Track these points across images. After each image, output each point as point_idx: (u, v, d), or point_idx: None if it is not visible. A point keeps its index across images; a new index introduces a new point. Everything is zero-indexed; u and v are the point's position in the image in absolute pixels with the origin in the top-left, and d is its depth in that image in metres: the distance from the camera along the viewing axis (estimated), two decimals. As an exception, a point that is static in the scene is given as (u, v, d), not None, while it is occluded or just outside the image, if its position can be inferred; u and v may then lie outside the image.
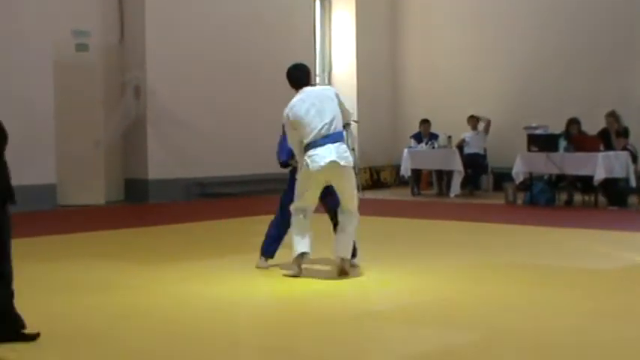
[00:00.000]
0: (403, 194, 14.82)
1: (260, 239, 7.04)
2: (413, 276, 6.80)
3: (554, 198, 12.58)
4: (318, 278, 6.70)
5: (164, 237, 9.66)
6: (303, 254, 6.68)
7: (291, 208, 6.74)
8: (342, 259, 6.68)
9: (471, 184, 14.56)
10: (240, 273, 6.98)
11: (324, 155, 6.48)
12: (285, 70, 6.82)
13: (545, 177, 12.77)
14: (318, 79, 16.75)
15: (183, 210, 12.68)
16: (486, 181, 15.11)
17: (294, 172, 6.92)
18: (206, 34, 14.13)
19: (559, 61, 14.79)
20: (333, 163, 6.49)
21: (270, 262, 7.06)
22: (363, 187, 15.38)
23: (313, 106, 6.54)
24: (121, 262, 7.50)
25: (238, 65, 14.52)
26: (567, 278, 6.79)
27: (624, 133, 12.54)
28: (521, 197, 12.88)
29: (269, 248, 7.06)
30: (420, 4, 16.91)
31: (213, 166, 14.17)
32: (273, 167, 15.58)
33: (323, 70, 17.00)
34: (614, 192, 12.04)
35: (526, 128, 13.06)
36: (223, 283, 6.57)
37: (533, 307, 5.72)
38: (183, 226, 10.59)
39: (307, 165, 6.51)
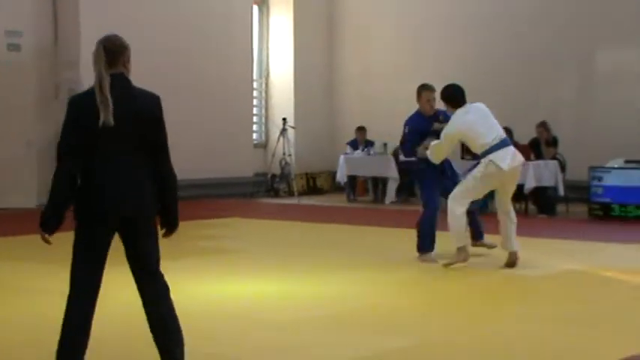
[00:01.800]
0: (339, 200, 14.90)
1: (210, 243, 7.01)
2: (348, 282, 6.85)
3: (486, 205, 12.80)
4: (253, 283, 6.72)
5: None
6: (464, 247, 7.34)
7: (460, 201, 7.25)
8: (515, 253, 7.46)
9: (406, 191, 14.72)
10: (182, 277, 6.93)
11: (510, 156, 7.24)
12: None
13: (478, 185, 12.98)
14: (255, 85, 16.75)
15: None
16: (421, 188, 15.28)
17: (419, 173, 8.05)
18: (143, 37, 13.94)
19: (491, 72, 15.06)
20: (519, 165, 7.36)
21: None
22: (299, 193, 15.45)
23: (486, 117, 7.42)
24: (51, 265, 7.37)
25: (174, 70, 14.38)
26: (497, 285, 6.94)
27: (554, 142, 12.85)
28: (454, 204, 13.08)
29: (427, 244, 7.75)
30: (358, 10, 17.02)
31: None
32: (220, 172, 15.38)
33: (260, 76, 16.99)
34: (544, 200, 12.34)
35: (460, 137, 13.26)
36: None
37: (465, 314, 5.84)
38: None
39: (495, 164, 7.13)
